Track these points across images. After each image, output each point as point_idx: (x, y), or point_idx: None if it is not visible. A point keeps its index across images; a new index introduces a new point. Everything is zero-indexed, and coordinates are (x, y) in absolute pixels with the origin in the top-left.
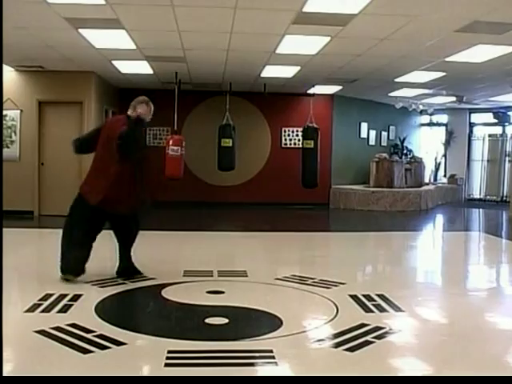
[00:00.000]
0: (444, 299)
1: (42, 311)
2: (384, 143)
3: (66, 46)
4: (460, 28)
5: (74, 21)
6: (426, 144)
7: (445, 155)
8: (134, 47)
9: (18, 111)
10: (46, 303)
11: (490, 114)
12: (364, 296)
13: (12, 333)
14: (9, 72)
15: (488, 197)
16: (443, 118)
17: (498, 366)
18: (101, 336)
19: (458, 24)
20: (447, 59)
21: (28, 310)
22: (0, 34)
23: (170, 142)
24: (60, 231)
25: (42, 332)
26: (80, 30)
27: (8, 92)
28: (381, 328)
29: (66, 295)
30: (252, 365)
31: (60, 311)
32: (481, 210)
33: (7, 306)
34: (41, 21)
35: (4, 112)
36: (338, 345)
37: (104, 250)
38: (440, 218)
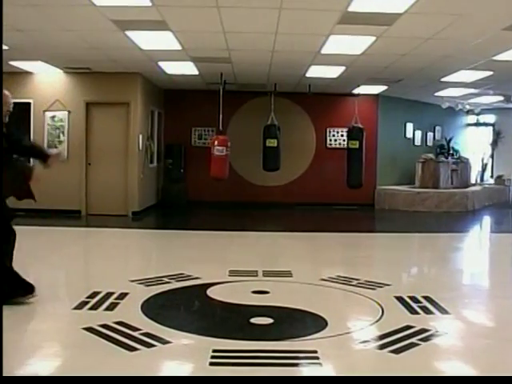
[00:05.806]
0: (491, 302)
1: (90, 309)
2: (430, 143)
3: (112, 48)
4: (508, 26)
5: (121, 23)
6: (473, 144)
7: (492, 155)
8: (179, 48)
9: (66, 112)
10: (93, 301)
11: None
12: (410, 298)
13: (60, 329)
14: (57, 73)
15: None
16: (490, 118)
17: None
18: (147, 334)
19: (505, 22)
20: (495, 58)
21: (76, 308)
22: (0, 34)
23: (215, 143)
24: (106, 230)
25: (89, 329)
26: (127, 32)
27: (56, 93)
28: (426, 330)
29: (112, 293)
30: (296, 365)
31: (107, 309)
32: None
33: (56, 302)
34: (88, 23)
35: (52, 113)
36: (382, 346)
37: (150, 250)
38: (487, 220)
